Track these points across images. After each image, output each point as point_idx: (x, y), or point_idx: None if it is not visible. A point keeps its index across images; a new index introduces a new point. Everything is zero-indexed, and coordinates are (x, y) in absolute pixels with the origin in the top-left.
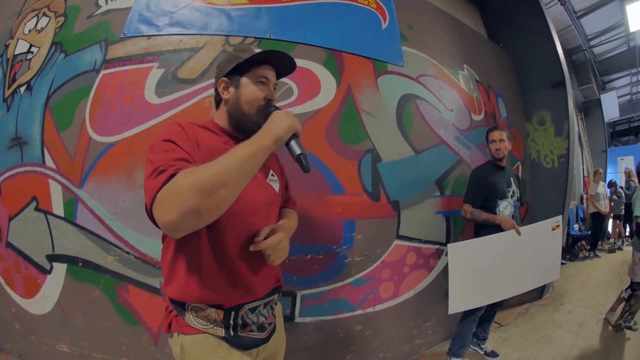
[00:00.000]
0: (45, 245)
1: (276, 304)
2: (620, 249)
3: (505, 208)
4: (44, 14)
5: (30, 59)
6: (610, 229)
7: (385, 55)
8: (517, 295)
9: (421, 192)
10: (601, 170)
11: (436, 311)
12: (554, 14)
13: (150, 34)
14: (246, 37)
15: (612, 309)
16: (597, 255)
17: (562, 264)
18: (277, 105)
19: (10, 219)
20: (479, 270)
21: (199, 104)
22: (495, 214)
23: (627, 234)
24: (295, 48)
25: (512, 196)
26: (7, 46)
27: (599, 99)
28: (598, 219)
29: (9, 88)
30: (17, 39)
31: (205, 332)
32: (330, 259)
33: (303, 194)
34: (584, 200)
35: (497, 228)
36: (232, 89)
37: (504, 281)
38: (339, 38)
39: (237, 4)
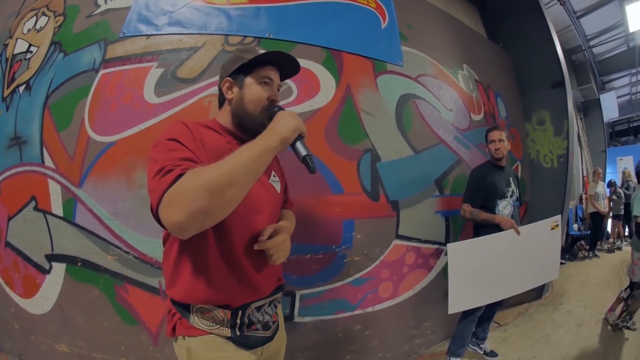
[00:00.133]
0: (44, 245)
1: (279, 302)
2: (619, 248)
3: (505, 208)
4: (43, 14)
5: (30, 58)
6: (609, 229)
7: (385, 55)
8: (516, 295)
9: (420, 192)
10: (600, 170)
11: (435, 311)
12: (553, 14)
13: (149, 33)
14: (245, 36)
15: (612, 309)
16: (596, 255)
17: (561, 263)
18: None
19: (10, 218)
20: (478, 269)
21: (198, 104)
22: (495, 213)
23: (627, 233)
24: (295, 47)
25: (511, 196)
26: (6, 45)
27: (599, 99)
28: (597, 218)
29: (8, 87)
30: (16, 39)
31: (211, 333)
32: (330, 259)
33: (302, 193)
34: (583, 200)
35: (496, 228)
36: (236, 89)
37: (504, 281)
38: (338, 37)
39: (236, 3)
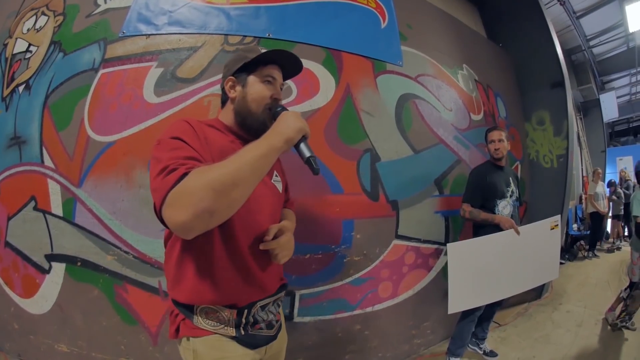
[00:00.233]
0: (44, 245)
1: (282, 301)
2: (619, 248)
3: (504, 208)
4: (43, 13)
5: (29, 58)
6: (609, 229)
7: (385, 55)
8: (516, 295)
9: (420, 192)
10: (600, 170)
11: (435, 311)
12: (553, 14)
13: (149, 33)
14: (245, 36)
15: (612, 309)
16: (596, 255)
17: (561, 263)
18: None
19: (9, 218)
20: (478, 269)
21: (197, 103)
22: (495, 213)
23: (626, 233)
24: (294, 47)
25: (511, 196)
26: (5, 45)
27: (598, 99)
28: (597, 219)
29: (7, 87)
30: (16, 38)
31: (216, 333)
32: (329, 259)
33: (302, 193)
34: (583, 200)
35: (496, 228)
36: (238, 88)
37: (503, 281)
38: (338, 37)
39: (236, 3)
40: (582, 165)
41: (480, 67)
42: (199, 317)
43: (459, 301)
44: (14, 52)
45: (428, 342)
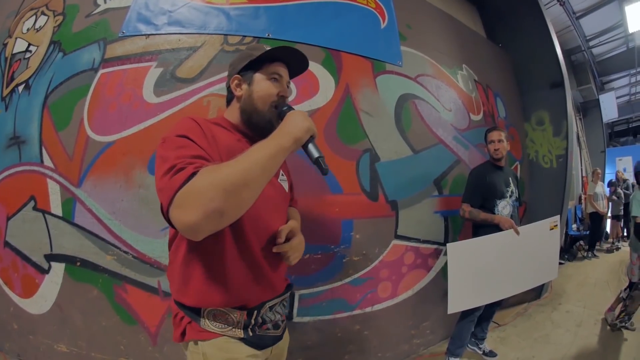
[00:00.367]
0: (43, 245)
1: (287, 301)
2: (618, 249)
3: (504, 208)
4: (43, 13)
5: (29, 57)
6: (608, 229)
7: (384, 55)
8: (515, 295)
9: (419, 192)
10: (599, 171)
11: (434, 311)
12: (553, 15)
13: (148, 33)
14: (245, 36)
15: (611, 309)
16: (595, 255)
17: (560, 263)
18: None
19: (9, 218)
20: (478, 269)
21: (197, 103)
22: (494, 213)
23: (625, 233)
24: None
25: (510, 196)
26: (5, 45)
27: (598, 100)
28: (596, 219)
29: (7, 87)
30: (16, 38)
31: (224, 335)
32: (329, 259)
33: (301, 193)
34: (583, 201)
35: (495, 228)
36: (244, 86)
37: (503, 281)
38: (337, 37)
39: (235, 3)
40: (581, 166)
41: (480, 67)
42: (207, 320)
43: (458, 301)
44: (14, 51)
45: (427, 342)
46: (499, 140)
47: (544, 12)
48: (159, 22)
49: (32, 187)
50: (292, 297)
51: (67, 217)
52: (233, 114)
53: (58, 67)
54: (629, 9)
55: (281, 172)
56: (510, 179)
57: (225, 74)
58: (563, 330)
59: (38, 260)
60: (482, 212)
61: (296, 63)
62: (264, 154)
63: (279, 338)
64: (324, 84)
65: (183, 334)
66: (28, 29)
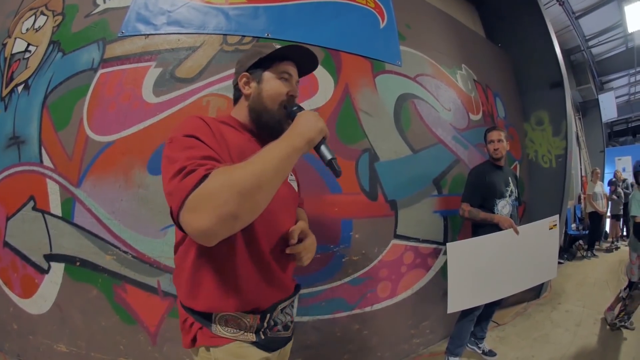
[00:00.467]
0: (42, 245)
1: (295, 301)
2: (617, 248)
3: (504, 207)
4: (42, 13)
5: (28, 57)
6: (608, 228)
7: (383, 55)
8: (514, 295)
9: (419, 192)
10: (598, 170)
11: (434, 310)
12: (552, 14)
13: (148, 33)
14: (244, 36)
15: (611, 308)
16: (594, 255)
17: (559, 263)
18: None
19: (8, 218)
20: (477, 269)
21: (196, 103)
22: (494, 213)
23: (624, 233)
24: None
25: (510, 195)
26: (4, 45)
27: (597, 99)
28: (596, 218)
29: (6, 87)
30: (15, 38)
31: (236, 340)
32: (328, 258)
33: (300, 193)
34: (582, 200)
35: (495, 227)
36: (253, 84)
37: (502, 280)
38: (336, 37)
39: (235, 3)
40: (580, 165)
41: (479, 67)
42: (218, 326)
43: (458, 300)
44: (13, 51)
45: (427, 342)
46: (499, 140)
47: (543, 11)
48: (158, 22)
49: (31, 187)
50: None
51: (67, 217)
52: (241, 113)
53: (57, 67)
54: (628, 9)
55: (290, 172)
56: (509, 178)
57: (225, 73)
58: (562, 329)
59: (37, 260)
60: (481, 212)
61: (306, 62)
62: (278, 156)
63: (289, 339)
64: (323, 84)
65: (194, 340)
66: (27, 29)
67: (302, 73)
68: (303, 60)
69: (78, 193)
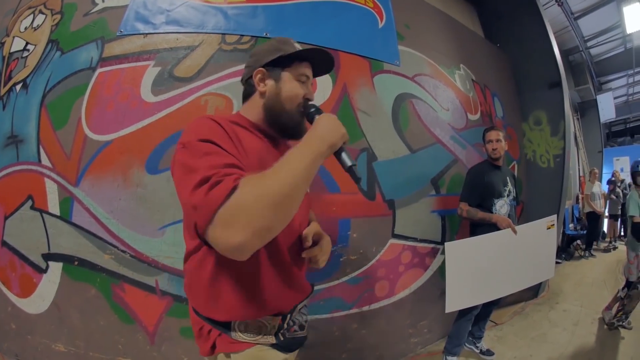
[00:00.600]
0: (41, 244)
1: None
2: (615, 248)
3: (502, 207)
4: (40, 12)
5: (26, 56)
6: (605, 228)
7: (382, 54)
8: (512, 294)
9: (417, 191)
10: (596, 171)
11: (432, 310)
12: (551, 15)
13: (146, 32)
14: (242, 35)
15: (609, 308)
16: (592, 255)
17: (557, 263)
18: None
19: (6, 217)
20: (475, 268)
21: (195, 103)
22: (492, 212)
23: (622, 233)
24: None
25: (508, 195)
26: (2, 44)
27: (595, 100)
28: (593, 218)
29: (4, 86)
30: (13, 37)
31: (257, 344)
32: None
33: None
34: (580, 200)
35: (493, 227)
36: (270, 82)
37: (500, 279)
38: (335, 37)
39: (233, 2)
40: (579, 165)
41: (478, 67)
42: (238, 332)
43: (456, 300)
44: (11, 50)
45: (425, 341)
46: (497, 140)
47: (542, 12)
48: (156, 21)
49: (29, 186)
50: None
51: (65, 217)
52: (253, 111)
53: (56, 66)
54: (627, 10)
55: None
56: (508, 178)
57: (223, 73)
58: (560, 329)
59: (36, 259)
60: (479, 211)
61: (322, 66)
62: (304, 164)
63: (305, 339)
64: (321, 83)
65: (213, 347)
66: (26, 28)
67: (314, 75)
68: (321, 64)
69: (76, 192)
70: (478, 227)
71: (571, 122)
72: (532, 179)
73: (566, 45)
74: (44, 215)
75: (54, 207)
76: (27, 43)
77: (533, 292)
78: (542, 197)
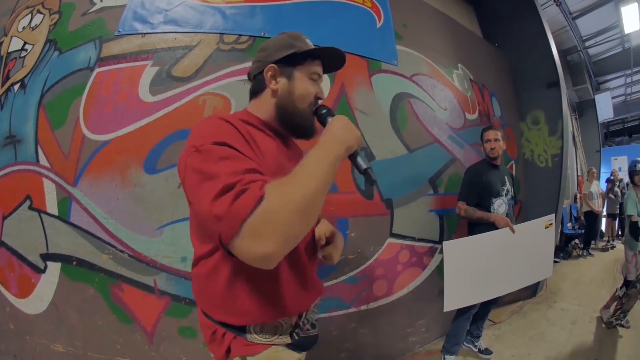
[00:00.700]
0: (39, 244)
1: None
2: (613, 247)
3: (500, 206)
4: (38, 11)
5: (24, 56)
6: (603, 227)
7: (380, 54)
8: (510, 293)
9: (414, 191)
10: (594, 170)
11: (430, 309)
12: (549, 15)
13: (144, 31)
14: (240, 35)
15: (606, 306)
16: (590, 254)
17: (555, 262)
18: None
19: (4, 218)
20: (473, 267)
21: (193, 102)
22: (490, 212)
23: (619, 232)
24: None
25: (506, 194)
26: (0, 43)
27: (594, 100)
28: (591, 217)
29: (2, 86)
30: (11, 37)
31: (272, 345)
32: None
33: None
34: (578, 200)
35: (491, 226)
36: (282, 80)
37: (499, 278)
38: (333, 36)
39: (231, 2)
40: (577, 165)
41: (476, 67)
42: (254, 334)
43: (454, 299)
44: (9, 50)
45: (423, 340)
46: (495, 140)
47: (540, 12)
48: (155, 20)
49: (27, 186)
50: None
51: (63, 217)
52: (263, 109)
53: (54, 66)
54: (625, 10)
55: None
56: (506, 177)
57: (221, 72)
58: (558, 328)
59: (34, 259)
60: (477, 210)
61: (332, 64)
62: (324, 168)
63: (317, 337)
64: None
65: (228, 351)
66: (24, 28)
67: (324, 72)
68: (332, 61)
69: (74, 192)
70: (476, 226)
71: (569, 122)
72: (530, 178)
73: (564, 45)
74: (42, 215)
75: (52, 207)
76: (25, 43)
77: (531, 291)
78: (540, 197)
